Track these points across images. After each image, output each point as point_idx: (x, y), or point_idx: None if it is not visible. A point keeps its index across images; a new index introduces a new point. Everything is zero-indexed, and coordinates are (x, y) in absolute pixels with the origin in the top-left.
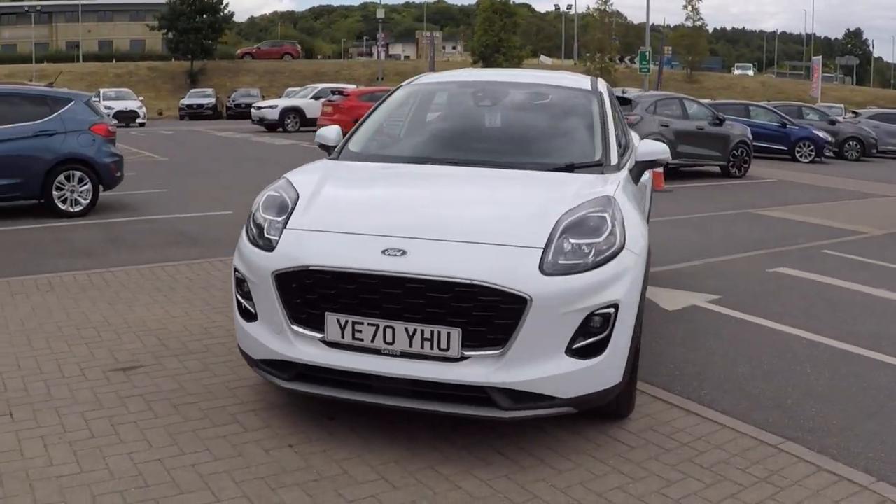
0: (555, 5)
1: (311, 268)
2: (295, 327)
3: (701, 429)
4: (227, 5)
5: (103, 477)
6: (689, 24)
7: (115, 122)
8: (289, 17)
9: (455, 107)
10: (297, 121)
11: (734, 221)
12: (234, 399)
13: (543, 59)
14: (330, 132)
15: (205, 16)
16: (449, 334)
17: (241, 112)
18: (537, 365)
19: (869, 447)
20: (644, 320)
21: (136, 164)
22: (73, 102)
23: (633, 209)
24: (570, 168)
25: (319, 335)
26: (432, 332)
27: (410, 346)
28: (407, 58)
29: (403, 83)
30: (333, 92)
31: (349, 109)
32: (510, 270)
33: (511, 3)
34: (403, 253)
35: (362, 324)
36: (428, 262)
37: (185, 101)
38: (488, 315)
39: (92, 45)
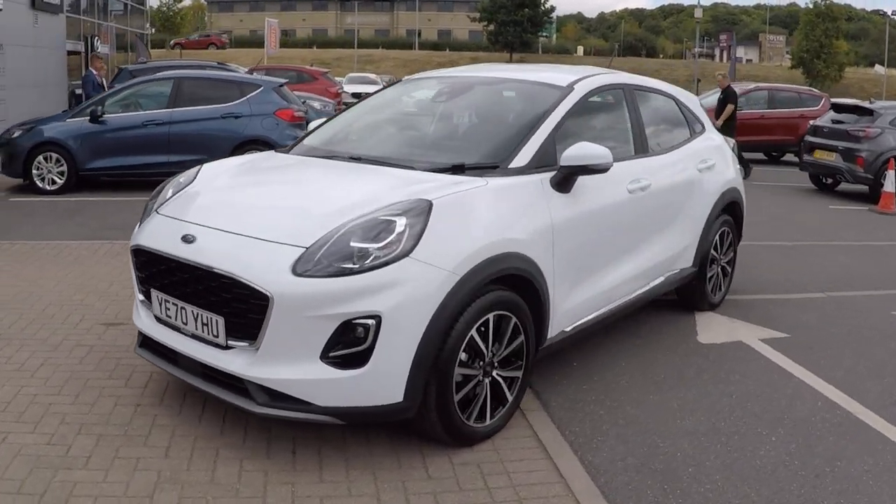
0: (881, 12)
1: (139, 247)
2: (140, 298)
3: (529, 478)
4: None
5: None
6: None
7: (303, 108)
8: (637, 15)
9: (408, 104)
10: None
11: None
12: None
13: (878, 68)
14: (314, 125)
15: (525, 10)
16: (217, 322)
17: None
18: (289, 366)
19: None
20: (651, 352)
21: None
22: (261, 89)
23: (479, 219)
24: (459, 168)
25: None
26: (208, 318)
27: (196, 328)
28: (749, 61)
29: (403, 79)
30: None
31: None
32: (259, 266)
33: (854, 7)
34: (194, 240)
35: (170, 302)
36: (204, 250)
37: None
38: (243, 308)
39: (431, 34)
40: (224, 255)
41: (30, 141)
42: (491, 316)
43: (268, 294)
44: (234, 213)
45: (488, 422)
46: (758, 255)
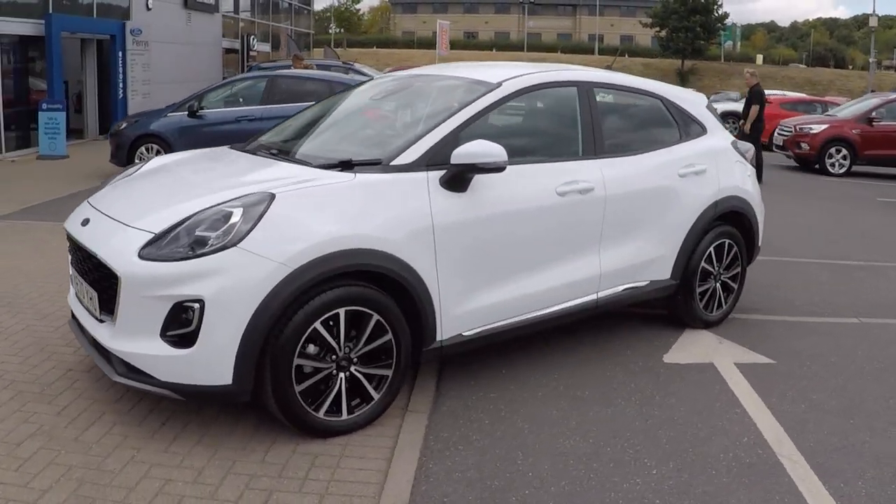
0: None
1: (65, 229)
2: (70, 274)
3: (353, 475)
4: (720, 5)
5: None
6: None
7: None
8: (830, 24)
9: (354, 102)
10: (736, 126)
11: None
12: None
13: None
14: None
15: (698, 16)
16: (94, 297)
17: None
18: (137, 341)
19: None
20: (597, 367)
21: None
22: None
23: (328, 213)
24: (347, 164)
25: None
26: (91, 294)
27: (86, 302)
28: None
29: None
30: None
31: (767, 118)
32: (116, 248)
33: None
34: (87, 223)
35: (77, 278)
36: (89, 232)
37: None
38: (107, 286)
39: (613, 39)
40: (96, 237)
41: (134, 132)
42: (342, 311)
43: (117, 273)
44: (126, 201)
45: (345, 417)
46: (811, 273)
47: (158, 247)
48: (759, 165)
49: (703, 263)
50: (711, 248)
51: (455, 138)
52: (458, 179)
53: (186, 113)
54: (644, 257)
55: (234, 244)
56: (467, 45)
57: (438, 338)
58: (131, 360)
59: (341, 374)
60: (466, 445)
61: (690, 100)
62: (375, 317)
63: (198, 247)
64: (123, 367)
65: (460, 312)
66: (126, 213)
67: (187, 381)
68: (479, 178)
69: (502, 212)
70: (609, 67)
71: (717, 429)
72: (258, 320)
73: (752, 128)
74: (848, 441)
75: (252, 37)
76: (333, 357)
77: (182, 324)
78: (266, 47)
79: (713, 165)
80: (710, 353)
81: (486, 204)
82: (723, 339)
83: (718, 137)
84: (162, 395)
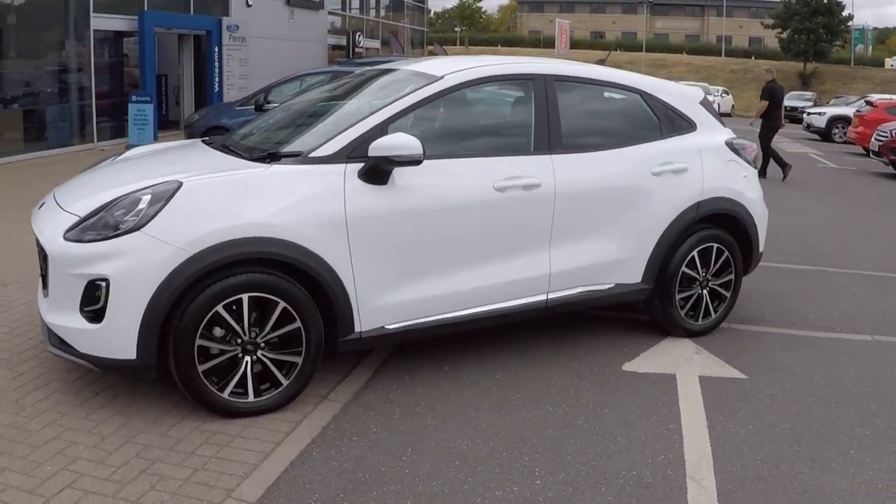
0: None
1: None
2: None
3: (236, 454)
4: (843, 7)
5: None
6: None
7: None
8: None
9: (327, 94)
10: (846, 130)
11: None
12: None
13: None
14: None
15: (820, 17)
16: (43, 273)
17: (792, 116)
18: (62, 314)
19: None
20: (547, 371)
21: None
22: None
23: (231, 202)
24: (274, 156)
25: None
26: (41, 270)
27: (40, 280)
28: None
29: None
30: (868, 102)
31: (871, 122)
32: (49, 230)
33: None
34: (42, 207)
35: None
36: (39, 216)
37: (784, 102)
38: (45, 263)
39: (742, 41)
40: (41, 220)
41: (205, 124)
42: (245, 296)
43: (47, 252)
44: (75, 189)
45: (251, 399)
46: (845, 285)
47: (81, 229)
48: (775, 161)
49: (683, 268)
50: (695, 253)
51: (382, 131)
52: (375, 172)
53: (253, 107)
54: (606, 258)
55: (139, 228)
56: (593, 44)
57: (357, 329)
58: (59, 332)
59: (247, 358)
60: (361, 437)
61: (680, 94)
62: (282, 304)
63: (111, 230)
64: (55, 339)
65: (381, 305)
66: (66, 199)
67: (99, 353)
68: (404, 172)
69: (428, 206)
70: (602, 62)
71: (636, 444)
72: (158, 300)
73: (768, 126)
74: (779, 470)
75: (358, 33)
76: (238, 340)
77: (94, 301)
78: (375, 44)
79: (697, 164)
80: (678, 364)
81: (409, 197)
82: (702, 350)
83: (709, 134)
84: (84, 366)
